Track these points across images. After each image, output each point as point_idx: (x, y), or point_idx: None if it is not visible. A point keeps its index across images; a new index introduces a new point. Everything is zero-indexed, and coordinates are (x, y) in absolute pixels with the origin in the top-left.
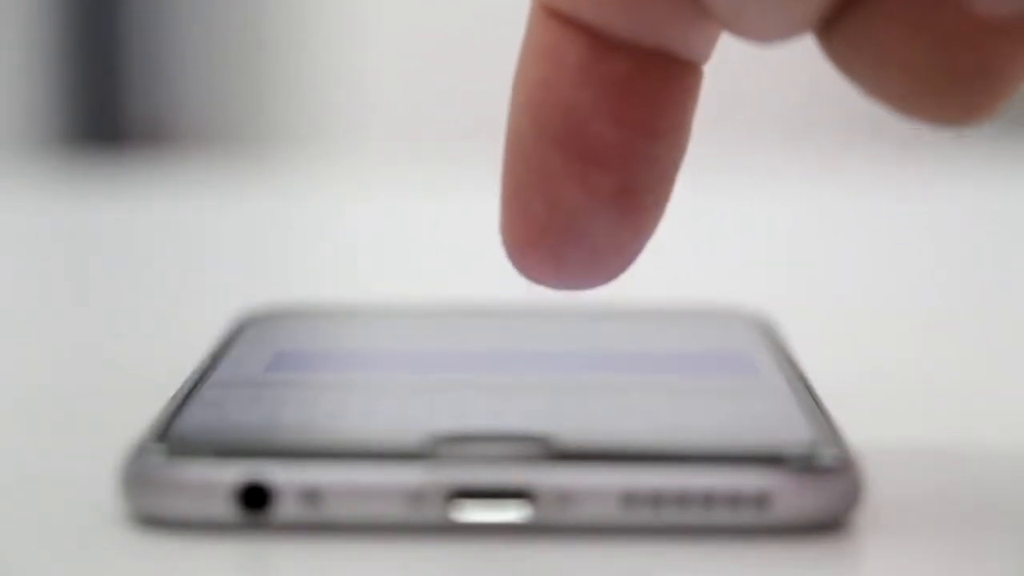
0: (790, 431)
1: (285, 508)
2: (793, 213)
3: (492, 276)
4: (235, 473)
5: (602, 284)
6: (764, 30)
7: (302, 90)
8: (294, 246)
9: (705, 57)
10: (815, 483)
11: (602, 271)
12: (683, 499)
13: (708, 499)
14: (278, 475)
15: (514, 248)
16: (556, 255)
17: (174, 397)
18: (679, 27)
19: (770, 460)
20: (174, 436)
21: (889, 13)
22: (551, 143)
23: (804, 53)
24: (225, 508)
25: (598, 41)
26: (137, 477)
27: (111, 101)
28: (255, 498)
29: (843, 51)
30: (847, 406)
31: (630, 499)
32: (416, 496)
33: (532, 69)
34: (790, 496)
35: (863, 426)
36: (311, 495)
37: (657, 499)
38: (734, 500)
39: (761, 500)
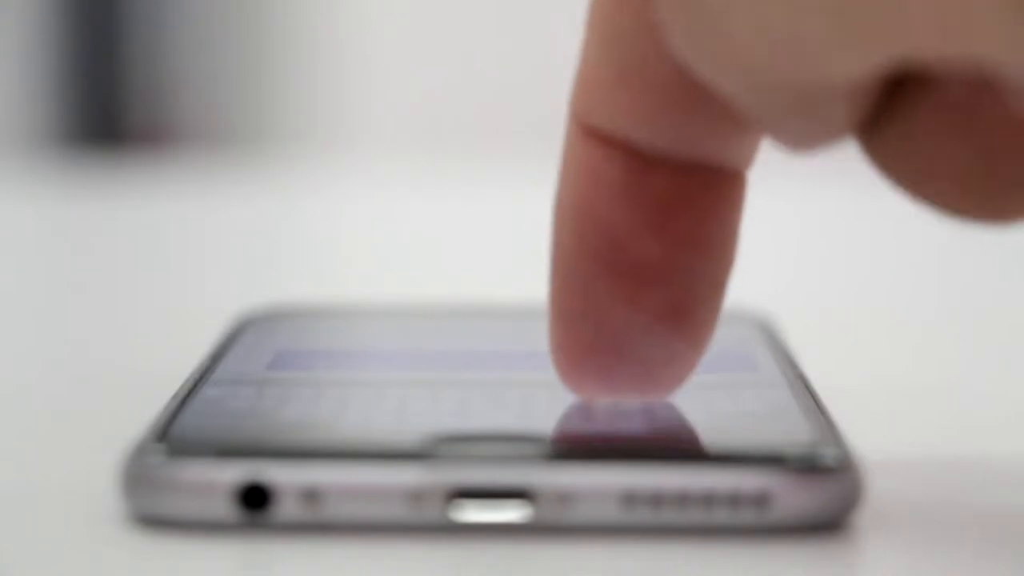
0: (790, 431)
1: (285, 508)
2: (794, 213)
3: (492, 276)
4: (235, 473)
5: (661, 396)
6: (803, 139)
7: (302, 90)
8: (294, 246)
9: (748, 164)
10: (815, 483)
11: (656, 386)
12: (683, 499)
13: (708, 499)
14: (278, 475)
15: (565, 368)
16: (607, 374)
17: (174, 397)
18: (719, 139)
19: (770, 460)
20: (174, 436)
21: (931, 120)
22: (595, 263)
23: None
24: (225, 508)
25: (637, 157)
26: (137, 477)
27: (111, 101)
28: (255, 498)
29: (884, 156)
30: (847, 406)
31: (630, 499)
32: (416, 496)
33: (571, 188)
34: (790, 496)
35: (863, 426)
36: (311, 495)
37: (657, 499)
38: (734, 500)
39: (761, 500)
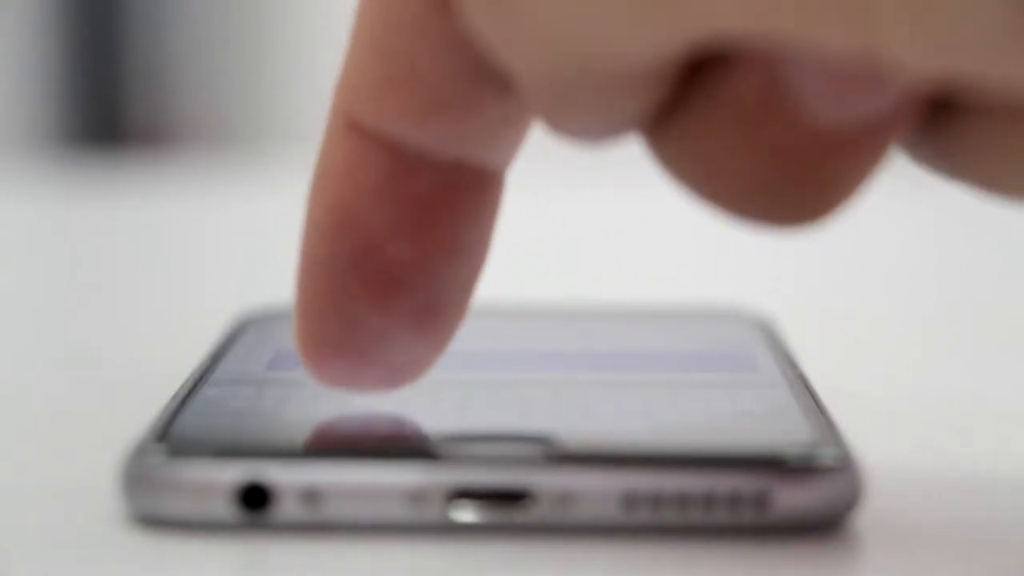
0: (790, 431)
1: (285, 508)
2: None
3: (492, 276)
4: (235, 473)
5: (397, 389)
6: (589, 130)
7: (302, 90)
8: (294, 246)
9: (508, 166)
10: (815, 483)
11: (398, 381)
12: (683, 499)
13: (708, 499)
14: (278, 475)
15: (308, 360)
16: (352, 371)
17: (174, 397)
18: (486, 139)
19: (770, 460)
20: (174, 436)
21: (717, 121)
22: (346, 265)
23: None
24: (225, 508)
25: (400, 157)
26: (137, 477)
27: (111, 101)
28: (255, 498)
29: (669, 155)
30: (847, 406)
31: (630, 499)
32: (416, 496)
33: (329, 188)
34: (790, 496)
35: (863, 426)
36: (311, 495)
37: (657, 499)
38: (734, 500)
39: (761, 500)
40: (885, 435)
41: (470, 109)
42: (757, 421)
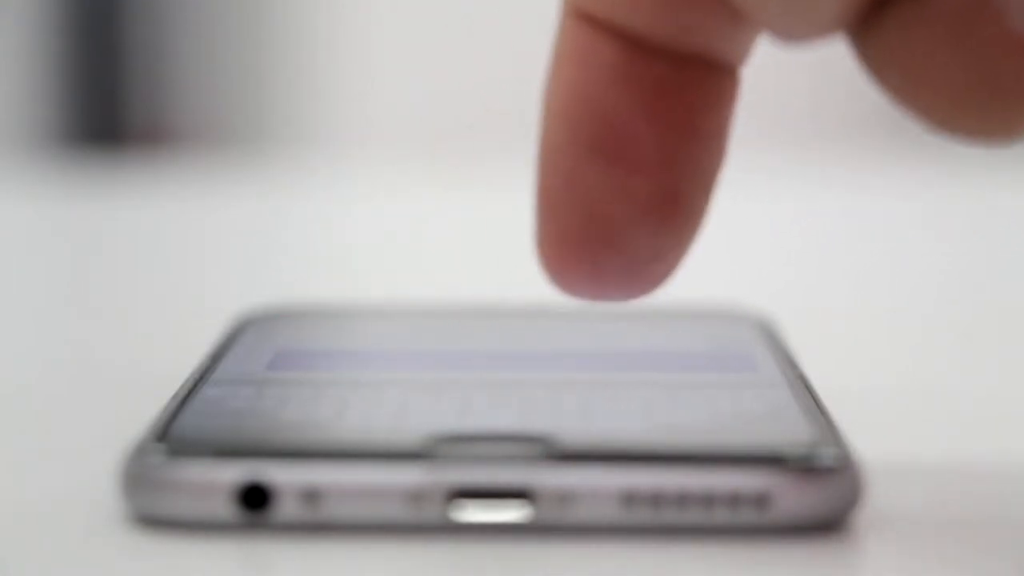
0: (790, 431)
1: (285, 508)
2: (794, 213)
3: (491, 276)
4: (235, 473)
5: (643, 295)
6: (793, 28)
7: (302, 90)
8: (294, 246)
9: (741, 61)
10: (815, 483)
11: (643, 282)
12: (683, 499)
13: (708, 499)
14: (278, 475)
15: (551, 261)
16: (595, 267)
17: (174, 397)
18: (714, 29)
19: (770, 460)
20: (174, 436)
21: (927, 21)
22: (587, 149)
23: (805, 53)
24: (225, 508)
25: (632, 45)
26: (137, 477)
27: (111, 101)
28: (255, 498)
29: (876, 58)
30: (847, 406)
31: (630, 499)
32: (416, 496)
33: (565, 74)
34: (790, 496)
35: (863, 426)
36: (311, 495)
37: (657, 499)
38: (734, 500)
39: (761, 500)
40: (885, 435)
41: (698, 1)
42: (757, 421)
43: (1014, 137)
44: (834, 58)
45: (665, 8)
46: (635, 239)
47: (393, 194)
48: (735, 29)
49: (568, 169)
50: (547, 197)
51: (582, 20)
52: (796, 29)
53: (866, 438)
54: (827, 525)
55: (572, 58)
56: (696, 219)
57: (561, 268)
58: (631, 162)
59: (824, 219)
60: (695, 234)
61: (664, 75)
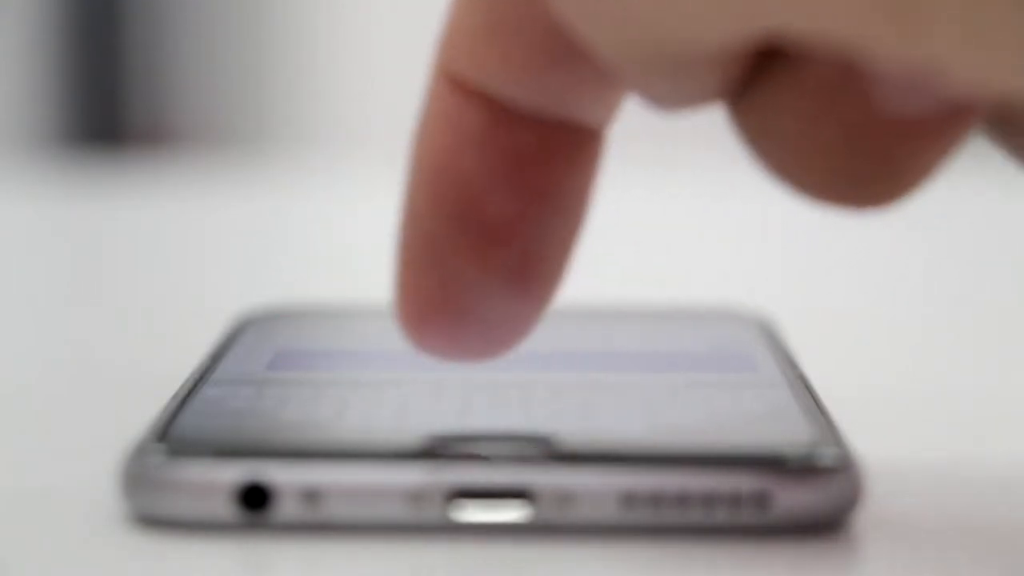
0: (790, 431)
1: (285, 508)
2: (794, 213)
3: None
4: (235, 473)
5: (498, 356)
6: (671, 100)
7: (302, 90)
8: (294, 246)
9: (608, 124)
10: (815, 483)
11: (498, 345)
12: (683, 499)
13: (708, 499)
14: (278, 475)
15: (407, 323)
16: (451, 331)
17: (174, 397)
18: (585, 97)
19: (770, 460)
20: (174, 436)
21: (797, 93)
22: (447, 217)
23: None
24: (225, 508)
25: (500, 111)
26: (137, 477)
27: (111, 101)
28: (255, 498)
29: (749, 129)
30: (847, 406)
31: (630, 499)
32: (416, 496)
33: (430, 140)
34: (790, 496)
35: (863, 426)
36: (311, 495)
37: (657, 499)
38: (734, 500)
39: (761, 500)
40: (885, 435)
41: (565, 66)
42: (757, 421)
43: (885, 207)
44: None
45: (538, 75)
46: (491, 305)
47: (393, 194)
48: (601, 96)
49: (427, 234)
50: (405, 259)
51: (451, 83)
52: (675, 102)
53: (866, 438)
54: (827, 525)
55: (438, 121)
56: (553, 284)
57: (417, 330)
58: (490, 232)
59: (825, 219)
60: (551, 298)
61: (530, 143)
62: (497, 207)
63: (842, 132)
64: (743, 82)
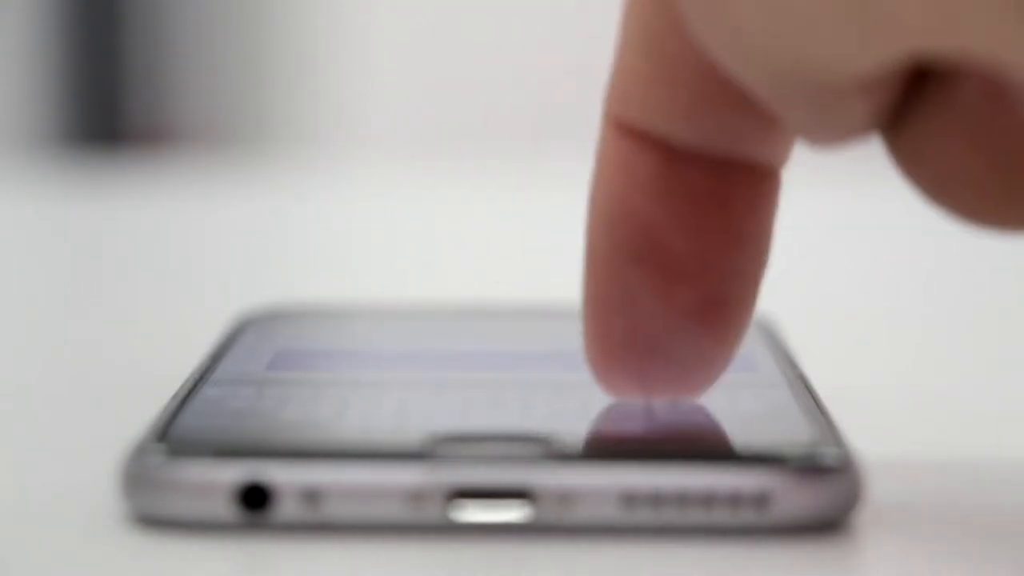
0: (790, 431)
1: (285, 508)
2: (794, 213)
3: (492, 276)
4: (235, 473)
5: (691, 396)
6: (823, 135)
7: (302, 90)
8: (294, 246)
9: (782, 162)
10: (815, 483)
11: (689, 385)
12: (683, 499)
13: (708, 499)
14: (278, 475)
15: (598, 366)
16: (641, 372)
17: (174, 397)
18: (752, 136)
19: (770, 460)
20: (174, 436)
21: (948, 118)
22: (629, 259)
23: None
24: (225, 508)
25: (672, 153)
26: (137, 477)
27: (111, 101)
28: (255, 498)
29: (905, 157)
30: (847, 406)
31: (630, 499)
32: (416, 496)
33: (606, 185)
34: (790, 496)
35: (864, 426)
36: (311, 495)
37: (657, 499)
38: (734, 500)
39: (761, 500)
40: (885, 435)
41: (729, 104)
42: (757, 421)
43: None
44: None
45: (704, 115)
46: (678, 345)
47: (393, 193)
48: (770, 133)
49: (611, 276)
50: (592, 302)
51: (621, 129)
52: (827, 136)
53: (866, 438)
54: (827, 525)
55: (612, 167)
56: (740, 324)
57: (608, 373)
58: (672, 272)
59: (825, 219)
60: (740, 338)
61: (704, 183)
62: (678, 247)
63: (997, 154)
64: (895, 111)
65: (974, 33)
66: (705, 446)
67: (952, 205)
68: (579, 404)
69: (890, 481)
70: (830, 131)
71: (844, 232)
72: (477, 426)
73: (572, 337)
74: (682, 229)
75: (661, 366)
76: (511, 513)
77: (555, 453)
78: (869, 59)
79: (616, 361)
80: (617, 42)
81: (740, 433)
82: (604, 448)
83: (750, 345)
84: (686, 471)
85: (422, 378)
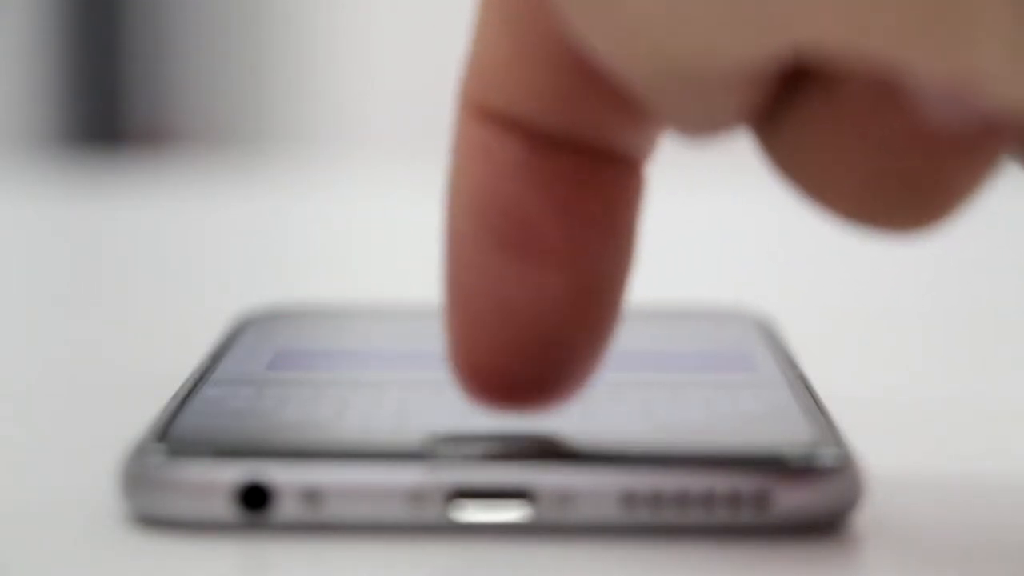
0: (790, 431)
1: (285, 508)
2: (794, 213)
3: None
4: (235, 473)
5: (560, 400)
6: (695, 126)
7: (302, 90)
8: (294, 246)
9: (645, 158)
10: (815, 483)
11: (559, 388)
12: (683, 499)
13: (708, 499)
14: (278, 475)
15: (465, 366)
16: (509, 372)
17: (174, 397)
18: (614, 123)
19: (770, 460)
20: (174, 436)
21: (831, 114)
22: (497, 245)
23: None
24: (225, 508)
25: (534, 138)
26: (137, 477)
27: (111, 101)
28: (255, 498)
29: (778, 153)
30: (847, 406)
31: (630, 499)
32: (416, 496)
33: (468, 168)
34: (790, 496)
35: (863, 426)
36: (311, 495)
37: (657, 499)
38: (734, 500)
39: (761, 500)
40: (885, 435)
41: (594, 90)
42: (757, 421)
43: (923, 230)
44: None
45: (567, 99)
46: (548, 339)
47: (393, 193)
48: (635, 123)
49: (477, 265)
50: (456, 296)
51: (483, 114)
52: (699, 128)
53: (866, 438)
54: (827, 525)
55: (474, 152)
56: (610, 318)
57: (476, 373)
58: (543, 258)
59: (825, 219)
60: (610, 336)
61: (571, 169)
62: (546, 230)
63: (880, 150)
64: (769, 106)
65: (864, 30)
66: (705, 446)
67: (829, 204)
68: (579, 404)
69: (890, 481)
70: (700, 124)
71: (844, 232)
72: (477, 426)
73: None
74: (549, 213)
75: (530, 362)
76: (511, 513)
77: (555, 453)
78: (745, 51)
79: (484, 365)
80: (476, 22)
81: (740, 433)
82: (604, 448)
83: (750, 345)
84: (686, 471)
85: (422, 378)
